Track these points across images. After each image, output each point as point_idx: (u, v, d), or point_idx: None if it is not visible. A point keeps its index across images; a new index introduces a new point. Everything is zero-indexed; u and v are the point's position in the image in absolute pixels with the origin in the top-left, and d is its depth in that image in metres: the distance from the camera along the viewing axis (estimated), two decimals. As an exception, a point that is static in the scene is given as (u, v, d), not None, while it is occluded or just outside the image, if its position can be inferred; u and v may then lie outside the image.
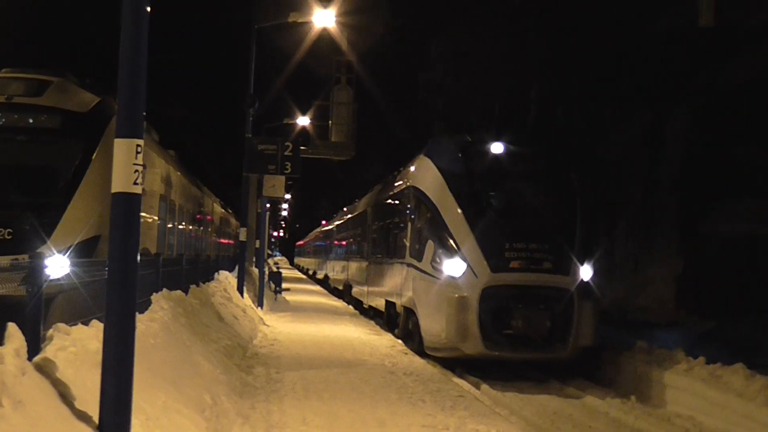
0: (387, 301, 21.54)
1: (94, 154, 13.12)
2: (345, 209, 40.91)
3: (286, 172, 22.16)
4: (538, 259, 15.64)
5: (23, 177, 13.23)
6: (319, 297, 37.19)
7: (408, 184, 18.85)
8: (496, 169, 16.83)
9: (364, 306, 26.89)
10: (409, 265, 17.82)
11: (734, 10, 22.26)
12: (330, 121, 36.56)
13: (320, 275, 52.79)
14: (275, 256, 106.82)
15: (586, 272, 15.87)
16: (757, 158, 23.52)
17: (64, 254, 11.43)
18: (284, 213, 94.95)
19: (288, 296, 33.38)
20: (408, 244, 18.16)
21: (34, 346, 6.28)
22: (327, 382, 12.31)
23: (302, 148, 26.96)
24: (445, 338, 15.53)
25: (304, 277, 67.09)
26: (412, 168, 19.13)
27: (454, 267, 15.68)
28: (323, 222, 63.37)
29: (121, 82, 6.04)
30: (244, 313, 18.95)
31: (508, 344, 15.29)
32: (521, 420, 11.49)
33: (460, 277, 15.57)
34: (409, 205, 18.47)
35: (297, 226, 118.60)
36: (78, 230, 12.46)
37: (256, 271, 29.39)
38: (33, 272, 6.58)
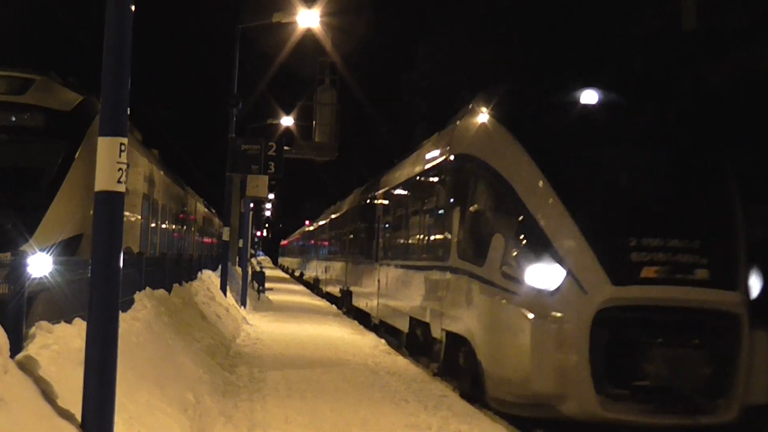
0: (412, 319, 15.89)
1: (77, 153, 13.09)
2: (344, 200, 34.02)
3: (269, 172, 22.16)
4: (684, 265, 10.01)
5: (5, 175, 13.16)
6: (303, 297, 37.18)
7: (455, 152, 13.18)
8: (601, 128, 11.45)
9: (372, 320, 21.61)
10: (457, 270, 12.35)
11: (718, 12, 22.42)
12: (314, 122, 36.53)
13: (308, 277, 47.58)
14: (258, 255, 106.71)
15: (755, 285, 10.42)
16: (741, 160, 23.67)
17: (46, 252, 11.39)
18: (268, 213, 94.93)
19: (271, 296, 33.33)
20: (455, 240, 12.57)
21: (16, 344, 6.27)
22: (310, 381, 12.31)
23: (286, 148, 27.00)
24: (529, 389, 9.98)
25: (287, 277, 67.02)
26: (460, 130, 13.42)
27: (544, 275, 10.10)
28: (306, 222, 63.10)
29: (105, 80, 6.03)
30: (227, 313, 18.93)
31: (642, 402, 9.69)
32: (505, 420, 11.53)
33: (557, 291, 9.99)
34: (456, 184, 12.99)
35: (280, 225, 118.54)
36: (61, 229, 12.43)
37: (239, 270, 29.34)
38: (15, 270, 6.56)
